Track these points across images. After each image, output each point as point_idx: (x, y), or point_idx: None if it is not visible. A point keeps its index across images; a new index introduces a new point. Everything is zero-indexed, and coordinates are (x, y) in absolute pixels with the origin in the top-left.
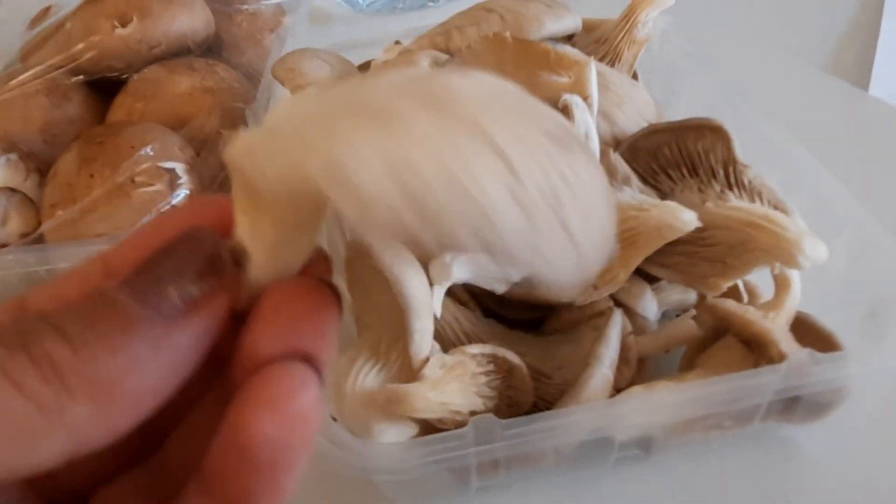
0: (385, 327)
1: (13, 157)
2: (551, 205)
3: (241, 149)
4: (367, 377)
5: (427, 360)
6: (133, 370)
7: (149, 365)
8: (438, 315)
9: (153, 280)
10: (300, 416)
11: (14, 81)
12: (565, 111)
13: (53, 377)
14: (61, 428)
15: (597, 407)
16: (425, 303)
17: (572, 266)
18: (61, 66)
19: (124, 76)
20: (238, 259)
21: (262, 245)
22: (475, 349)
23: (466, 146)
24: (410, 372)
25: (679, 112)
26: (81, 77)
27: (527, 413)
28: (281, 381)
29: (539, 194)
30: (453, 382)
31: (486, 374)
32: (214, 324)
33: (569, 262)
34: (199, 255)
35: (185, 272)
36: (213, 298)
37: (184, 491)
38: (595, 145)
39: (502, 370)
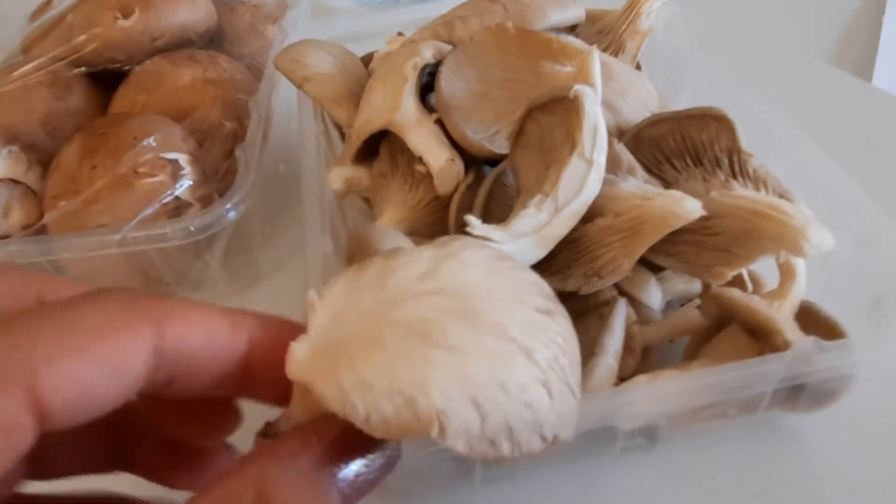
0: None
1: (15, 148)
2: (559, 375)
3: (299, 366)
4: None
5: None
6: None
7: None
8: None
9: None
10: None
11: (16, 73)
12: (575, 102)
13: None
14: None
15: (601, 396)
16: None
17: (576, 414)
18: (63, 58)
19: (126, 68)
20: None
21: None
22: None
23: (505, 356)
24: None
25: (682, 102)
26: (83, 69)
27: None
28: None
29: (551, 370)
30: None
31: None
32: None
33: (574, 413)
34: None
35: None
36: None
37: None
38: (603, 137)
39: None
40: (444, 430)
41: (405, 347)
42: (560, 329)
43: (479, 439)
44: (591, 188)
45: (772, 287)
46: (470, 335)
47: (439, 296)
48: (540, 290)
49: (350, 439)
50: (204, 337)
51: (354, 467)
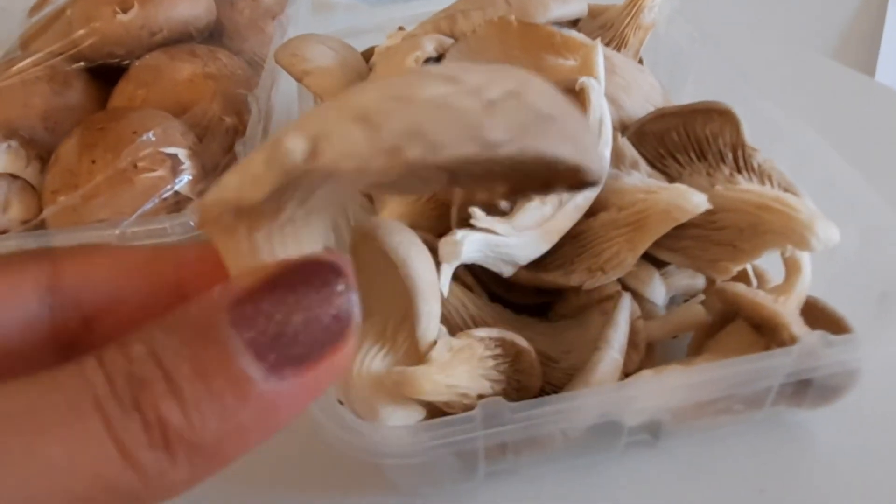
0: (391, 312)
1: (14, 143)
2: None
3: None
4: (374, 361)
5: (434, 343)
6: (235, 436)
7: (251, 431)
8: (445, 294)
9: (272, 325)
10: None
11: (14, 68)
12: (581, 94)
13: (161, 444)
14: (154, 490)
15: (606, 390)
16: (432, 285)
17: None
18: (62, 53)
19: (125, 63)
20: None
21: None
22: (483, 332)
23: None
24: (417, 355)
25: (685, 97)
26: (82, 64)
27: (542, 392)
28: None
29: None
30: (461, 365)
31: (494, 357)
32: (333, 378)
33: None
34: (328, 303)
35: (311, 324)
36: (336, 353)
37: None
38: (608, 130)
39: (510, 354)
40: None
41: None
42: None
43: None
44: None
45: (776, 282)
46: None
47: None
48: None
49: (256, 283)
50: (111, 270)
51: (260, 313)
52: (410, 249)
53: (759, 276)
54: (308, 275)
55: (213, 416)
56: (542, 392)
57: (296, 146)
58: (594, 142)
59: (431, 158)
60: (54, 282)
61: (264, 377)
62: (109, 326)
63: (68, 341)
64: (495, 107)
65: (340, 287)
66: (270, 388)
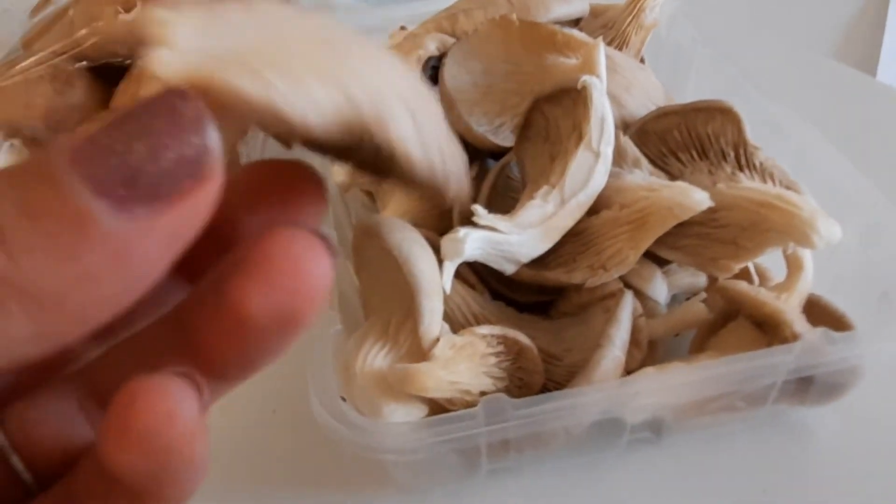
0: (393, 309)
1: (16, 143)
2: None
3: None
4: (377, 358)
5: (437, 340)
6: (82, 284)
7: (102, 279)
8: (448, 291)
9: (114, 157)
10: (309, 278)
11: (17, 68)
12: (583, 93)
13: None
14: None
15: (608, 386)
16: (434, 283)
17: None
18: (64, 53)
19: (128, 62)
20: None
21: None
22: (485, 330)
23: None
24: (419, 353)
25: (686, 96)
26: (85, 63)
27: (544, 389)
28: (290, 243)
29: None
30: (464, 362)
31: (496, 354)
32: (193, 224)
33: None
34: (177, 129)
35: (158, 153)
36: (193, 192)
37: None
38: (610, 129)
39: (512, 351)
40: (385, 126)
41: (320, 54)
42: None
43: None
44: (598, 180)
45: (778, 280)
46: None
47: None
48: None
49: (101, 125)
50: None
51: (101, 148)
52: (413, 247)
53: (760, 273)
54: (152, 104)
55: (46, 258)
56: (545, 389)
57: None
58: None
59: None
60: None
61: (110, 214)
62: None
63: None
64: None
65: (190, 113)
66: (120, 227)
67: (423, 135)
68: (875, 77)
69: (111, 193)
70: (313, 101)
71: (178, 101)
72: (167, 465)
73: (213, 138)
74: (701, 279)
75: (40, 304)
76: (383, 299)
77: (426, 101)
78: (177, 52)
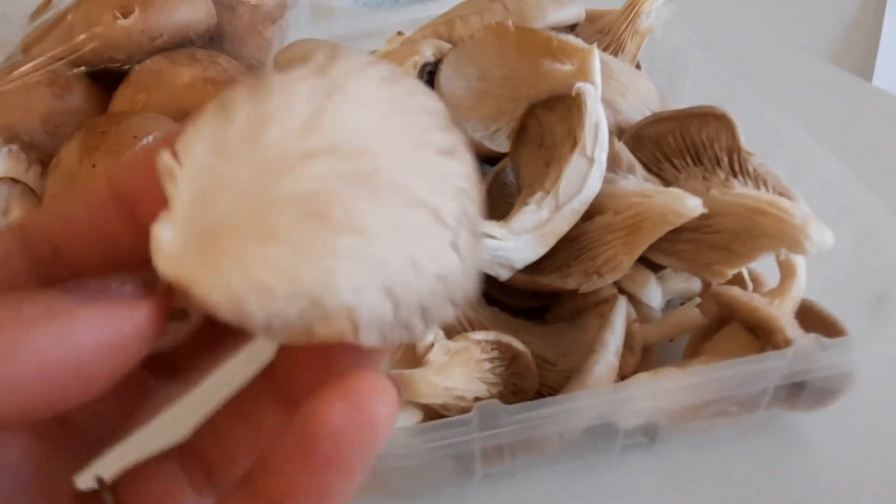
0: None
1: (15, 147)
2: (467, 228)
3: (169, 259)
4: None
5: (431, 346)
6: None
7: (46, 351)
8: None
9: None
10: (375, 415)
11: (16, 73)
12: (578, 99)
13: None
14: None
15: (602, 392)
16: None
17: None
18: (63, 58)
19: (126, 67)
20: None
21: None
22: (479, 335)
23: (414, 226)
24: (414, 359)
25: (682, 101)
26: (83, 68)
27: (539, 394)
28: (361, 382)
29: (460, 226)
30: (458, 368)
31: (491, 360)
32: (137, 327)
33: (479, 260)
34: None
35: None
36: (143, 299)
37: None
38: (604, 135)
39: (507, 357)
40: (357, 329)
41: (302, 234)
42: (464, 169)
43: (393, 327)
44: (593, 185)
45: (772, 286)
46: (373, 208)
47: (330, 156)
48: (438, 119)
49: None
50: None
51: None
52: None
53: (754, 279)
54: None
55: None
56: (539, 394)
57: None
58: None
59: (421, 334)
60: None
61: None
62: (78, 253)
63: (45, 272)
64: None
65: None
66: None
67: (401, 310)
68: (871, 82)
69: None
70: (279, 314)
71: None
72: (365, 432)
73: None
74: (695, 284)
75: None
76: None
77: (430, 260)
78: (164, 257)
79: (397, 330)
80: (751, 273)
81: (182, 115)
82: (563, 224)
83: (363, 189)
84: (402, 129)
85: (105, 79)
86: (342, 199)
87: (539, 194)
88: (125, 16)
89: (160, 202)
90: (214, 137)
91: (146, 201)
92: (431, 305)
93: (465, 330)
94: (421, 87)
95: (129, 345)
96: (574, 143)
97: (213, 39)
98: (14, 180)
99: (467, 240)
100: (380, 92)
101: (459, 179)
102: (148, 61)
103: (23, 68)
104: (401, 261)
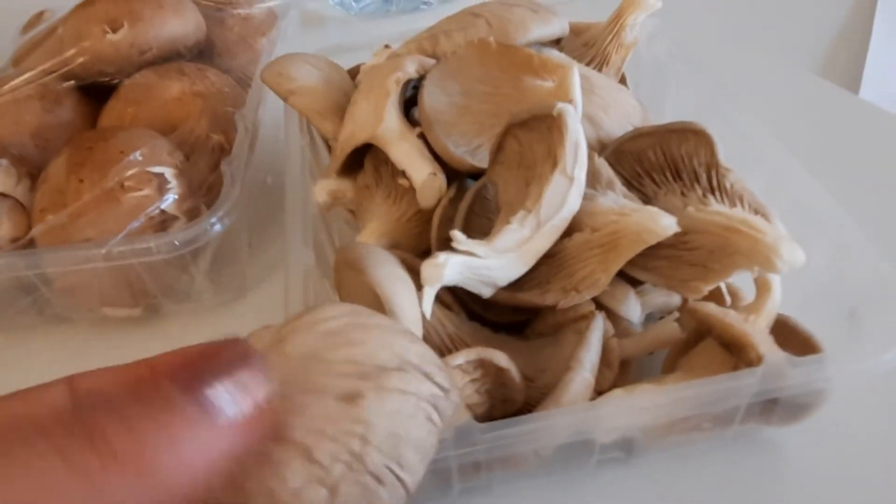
0: None
1: (4, 162)
2: (352, 468)
3: None
4: None
5: None
6: (174, 458)
7: (187, 454)
8: (429, 317)
9: (197, 374)
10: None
11: (6, 87)
12: (558, 120)
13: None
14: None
15: (576, 410)
16: (414, 320)
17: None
18: (53, 71)
19: (115, 81)
20: None
21: None
22: (459, 358)
23: (281, 461)
24: None
25: (665, 115)
26: (73, 82)
27: (519, 411)
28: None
29: (336, 464)
30: None
31: (473, 381)
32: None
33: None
34: (238, 362)
35: (224, 373)
36: (251, 413)
37: None
38: (584, 154)
39: (490, 372)
40: None
41: None
42: (364, 413)
43: None
44: (572, 204)
45: (750, 301)
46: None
47: None
48: (360, 365)
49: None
50: None
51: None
52: (395, 285)
53: (732, 293)
54: (228, 347)
55: (156, 441)
56: (519, 410)
57: None
58: None
59: None
60: None
61: (195, 414)
62: None
63: None
64: None
65: (252, 360)
66: (200, 424)
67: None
68: (858, 94)
69: (196, 400)
70: None
71: (242, 348)
72: None
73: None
74: (675, 298)
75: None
76: None
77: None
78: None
79: None
80: (729, 288)
81: (170, 128)
82: (544, 242)
83: None
84: (315, 376)
85: (95, 92)
86: None
87: (521, 213)
88: (114, 30)
89: None
90: None
91: None
92: None
93: (446, 345)
94: (374, 340)
95: None
96: (555, 163)
97: (202, 53)
98: (3, 195)
99: (351, 478)
100: (311, 345)
101: (350, 424)
102: (137, 75)
103: (13, 82)
104: (259, 487)
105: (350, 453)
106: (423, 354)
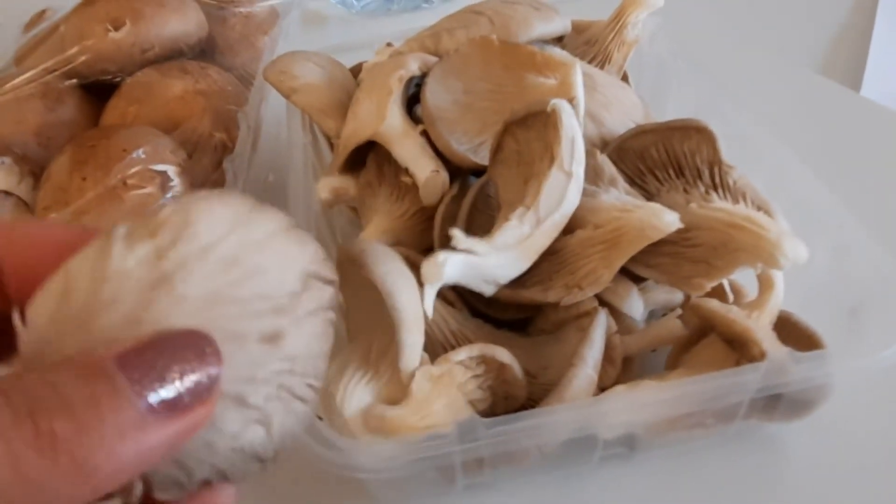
0: (375, 333)
1: (7, 160)
2: (283, 399)
3: None
4: (357, 388)
5: (413, 374)
6: (111, 458)
7: (126, 462)
8: (430, 316)
9: (151, 370)
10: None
11: (8, 85)
12: (553, 116)
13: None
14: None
15: (579, 406)
16: (416, 316)
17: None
18: (55, 70)
19: (118, 79)
20: None
21: None
22: (462, 354)
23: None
24: (400, 385)
25: (667, 113)
26: (75, 80)
27: (522, 407)
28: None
29: (271, 401)
30: (441, 399)
31: (476, 377)
32: (187, 435)
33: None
34: (196, 363)
35: (179, 372)
36: (196, 409)
37: None
38: (580, 149)
39: (493, 369)
40: (151, 489)
41: None
42: (288, 349)
43: (190, 485)
44: (571, 199)
45: (752, 297)
46: None
47: None
48: (272, 298)
49: (137, 342)
50: None
51: (144, 361)
52: (397, 281)
53: (735, 290)
54: (186, 339)
55: (99, 438)
56: (523, 406)
57: None
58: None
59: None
60: None
61: (143, 414)
62: None
63: None
64: None
65: (210, 353)
66: (146, 424)
67: (195, 475)
68: (859, 92)
69: (146, 398)
70: None
71: (204, 343)
72: None
73: (219, 376)
74: (678, 295)
75: (87, 471)
76: (366, 317)
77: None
78: None
79: (196, 485)
80: (732, 284)
81: (173, 126)
82: (544, 239)
83: None
84: (226, 321)
85: (97, 91)
86: None
87: (520, 210)
88: (116, 28)
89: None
90: (60, 304)
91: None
92: (229, 468)
93: (449, 342)
94: (274, 262)
95: None
96: (552, 159)
97: (204, 51)
98: (6, 193)
99: (282, 410)
100: (213, 280)
101: (278, 362)
102: (139, 73)
103: (15, 80)
104: (196, 443)
105: (280, 387)
106: (312, 253)
